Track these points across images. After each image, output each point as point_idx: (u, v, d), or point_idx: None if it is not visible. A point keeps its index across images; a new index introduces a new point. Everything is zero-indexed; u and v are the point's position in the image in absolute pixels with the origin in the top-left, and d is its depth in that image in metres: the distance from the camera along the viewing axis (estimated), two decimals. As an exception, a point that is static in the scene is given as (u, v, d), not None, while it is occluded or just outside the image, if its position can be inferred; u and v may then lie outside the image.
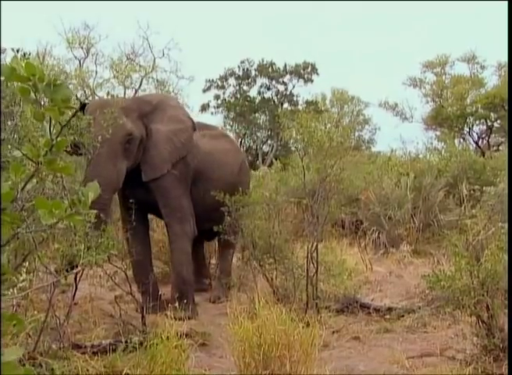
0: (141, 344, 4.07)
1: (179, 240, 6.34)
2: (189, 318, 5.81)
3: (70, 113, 1.36)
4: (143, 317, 4.92)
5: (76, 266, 3.41)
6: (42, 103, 1.20)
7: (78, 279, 3.99)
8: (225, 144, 7.48)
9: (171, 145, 6.30)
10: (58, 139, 1.18)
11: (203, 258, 7.82)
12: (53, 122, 1.21)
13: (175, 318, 5.18)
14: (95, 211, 1.54)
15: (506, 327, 4.34)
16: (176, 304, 5.59)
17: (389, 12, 36.47)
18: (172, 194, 6.33)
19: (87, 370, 3.93)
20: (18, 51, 4.26)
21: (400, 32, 38.74)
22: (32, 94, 1.17)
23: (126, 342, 4.35)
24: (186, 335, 4.42)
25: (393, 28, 37.99)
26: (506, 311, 4.63)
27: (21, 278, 2.90)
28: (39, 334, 3.35)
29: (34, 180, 1.29)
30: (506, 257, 4.28)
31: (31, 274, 3.33)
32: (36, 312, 3.51)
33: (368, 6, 36.37)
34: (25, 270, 3.01)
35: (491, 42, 27.86)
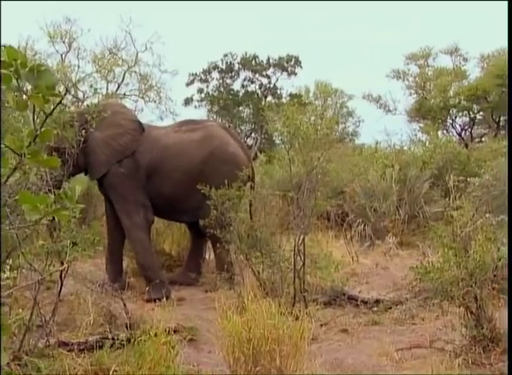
0: (129, 340, 4.02)
1: (130, 231, 6.99)
2: (159, 299, 6.37)
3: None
4: (127, 313, 4.87)
5: (62, 263, 3.36)
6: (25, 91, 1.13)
7: (64, 275, 3.92)
8: (195, 134, 7.42)
9: (109, 149, 6.95)
10: (43, 129, 1.12)
11: (198, 253, 7.74)
12: (37, 111, 1.14)
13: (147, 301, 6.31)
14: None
15: (495, 318, 4.35)
16: (148, 288, 6.59)
17: (373, 6, 36.45)
18: (119, 191, 6.97)
19: (74, 368, 3.87)
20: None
21: (384, 25, 38.69)
22: (14, 81, 1.11)
23: (113, 339, 4.29)
24: (175, 331, 4.37)
25: (377, 21, 38.00)
26: (494, 302, 4.65)
27: (5, 276, 2.83)
28: (24, 333, 3.28)
29: (17, 174, 1.23)
30: (494, 248, 4.28)
31: (15, 271, 3.26)
32: (21, 310, 3.44)
33: (352, 2, 36.31)
34: (9, 268, 2.94)
35: (474, 34, 27.98)
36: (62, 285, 3.93)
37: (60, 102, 1.28)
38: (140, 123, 7.33)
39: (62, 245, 3.28)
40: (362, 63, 34.93)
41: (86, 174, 7.21)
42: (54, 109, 1.25)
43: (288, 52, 24.09)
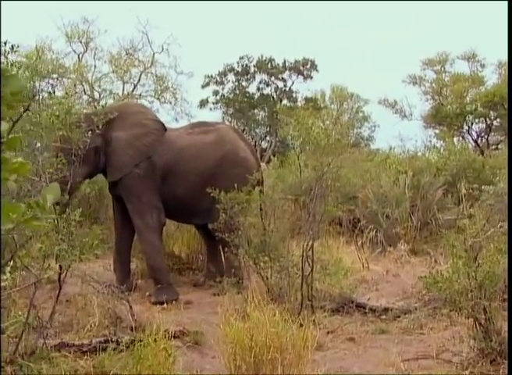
0: (131, 343, 3.99)
1: (142, 232, 6.97)
2: (166, 302, 6.46)
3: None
4: (132, 315, 4.85)
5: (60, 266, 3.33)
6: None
7: (62, 279, 3.89)
8: (208, 137, 7.43)
9: (134, 149, 6.93)
10: (10, 136, 1.08)
11: (210, 255, 7.71)
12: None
13: (153, 303, 6.41)
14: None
15: (504, 330, 4.26)
16: (156, 291, 6.68)
17: (389, 9, 36.29)
18: (134, 192, 6.92)
19: (76, 371, 3.85)
20: (5, 43, 4.15)
21: (401, 29, 38.54)
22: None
23: (117, 341, 4.26)
24: (175, 336, 4.33)
25: (394, 25, 37.80)
26: (504, 314, 4.55)
27: (4, 277, 2.81)
28: (20, 336, 3.25)
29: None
30: (505, 259, 4.19)
31: (15, 273, 3.24)
32: (20, 312, 3.41)
33: (368, 3, 36.13)
34: (9, 270, 2.92)
35: (491, 40, 27.73)
36: (60, 288, 3.90)
37: (27, 109, 1.24)
38: (162, 123, 7.32)
39: (60, 248, 3.25)
40: (378, 68, 34.76)
41: (91, 177, 7.30)
42: (19, 118, 1.21)
43: (304, 56, 24.03)
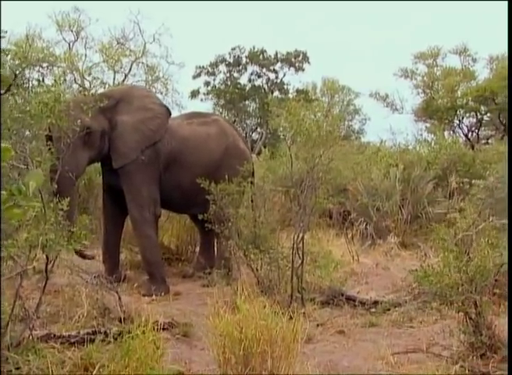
0: (120, 334, 3.94)
1: (139, 226, 6.79)
2: (156, 295, 6.35)
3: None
4: (121, 306, 4.81)
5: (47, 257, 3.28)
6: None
7: (49, 269, 3.84)
8: (210, 129, 7.43)
9: (139, 134, 6.71)
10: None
11: (202, 247, 7.74)
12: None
13: (144, 295, 6.34)
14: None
15: (494, 325, 4.26)
16: (148, 283, 6.62)
17: (382, 4, 36.24)
18: (134, 180, 6.69)
19: (63, 362, 3.80)
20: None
21: (393, 24, 38.55)
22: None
23: (105, 333, 4.22)
24: (164, 328, 4.29)
25: (386, 20, 37.80)
26: (494, 308, 4.55)
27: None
28: (6, 327, 3.20)
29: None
30: (497, 253, 4.19)
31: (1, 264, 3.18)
32: (6, 304, 3.36)
33: (364, 3, 36.12)
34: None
35: (483, 35, 27.79)
36: (47, 279, 3.84)
37: (8, 90, 1.19)
38: (167, 108, 7.14)
39: (47, 238, 3.20)
40: (369, 61, 34.79)
41: (92, 163, 6.94)
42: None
43: (296, 48, 23.98)
